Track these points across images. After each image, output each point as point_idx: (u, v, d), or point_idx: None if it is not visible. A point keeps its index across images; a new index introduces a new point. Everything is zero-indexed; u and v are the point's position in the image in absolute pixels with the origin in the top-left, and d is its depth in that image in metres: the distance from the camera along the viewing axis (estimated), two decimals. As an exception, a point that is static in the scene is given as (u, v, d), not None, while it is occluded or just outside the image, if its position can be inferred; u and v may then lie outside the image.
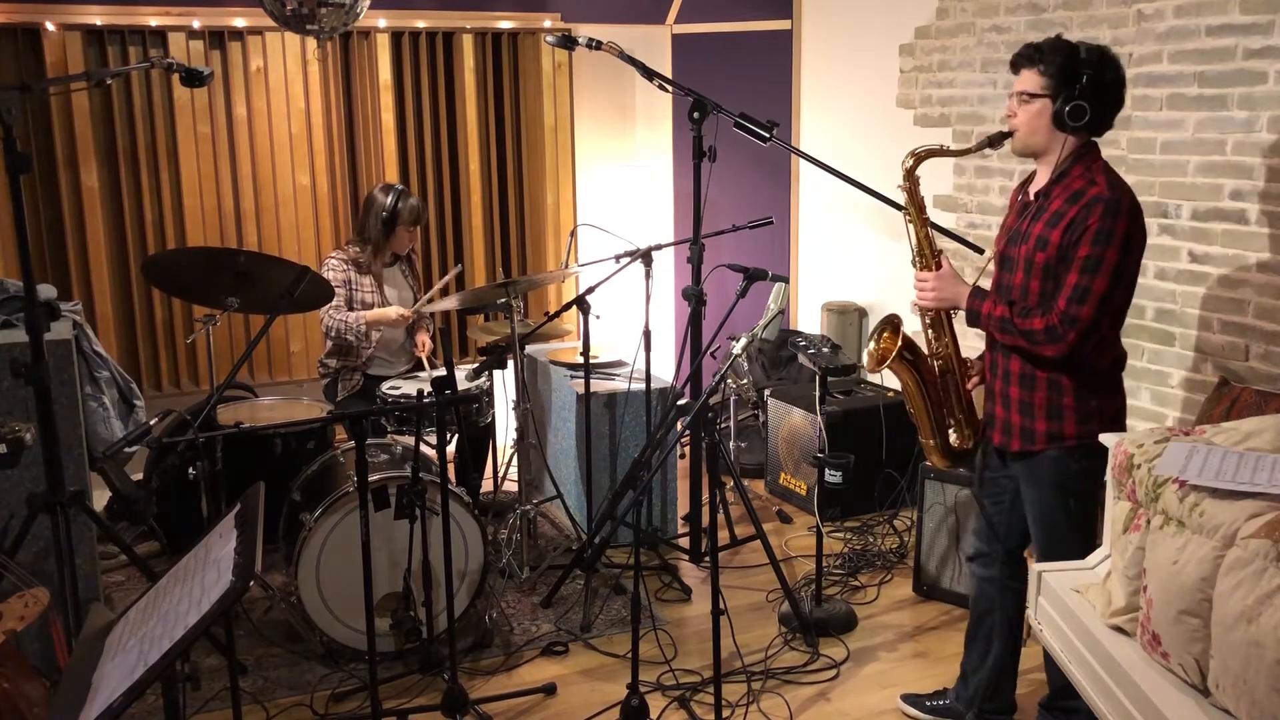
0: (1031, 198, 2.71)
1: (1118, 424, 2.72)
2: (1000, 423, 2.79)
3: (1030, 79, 2.60)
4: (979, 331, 2.80)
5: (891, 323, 2.91)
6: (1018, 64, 2.64)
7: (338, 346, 4.38)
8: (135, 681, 1.65)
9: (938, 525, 3.83)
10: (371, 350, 4.38)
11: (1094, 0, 3.95)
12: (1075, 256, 2.54)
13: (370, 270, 4.33)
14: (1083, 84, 2.53)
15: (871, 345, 2.92)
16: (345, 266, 4.31)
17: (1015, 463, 2.79)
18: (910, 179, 2.82)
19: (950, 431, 2.91)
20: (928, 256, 2.82)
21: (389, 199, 4.28)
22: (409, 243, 4.43)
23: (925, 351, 2.90)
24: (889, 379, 3.83)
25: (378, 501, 2.99)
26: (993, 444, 2.85)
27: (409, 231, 4.36)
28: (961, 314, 2.78)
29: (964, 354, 2.92)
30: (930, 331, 2.89)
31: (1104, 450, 2.71)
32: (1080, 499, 2.71)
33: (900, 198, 2.86)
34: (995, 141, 2.74)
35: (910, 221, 2.84)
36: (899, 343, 2.82)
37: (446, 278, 4.57)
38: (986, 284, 2.82)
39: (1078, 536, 2.72)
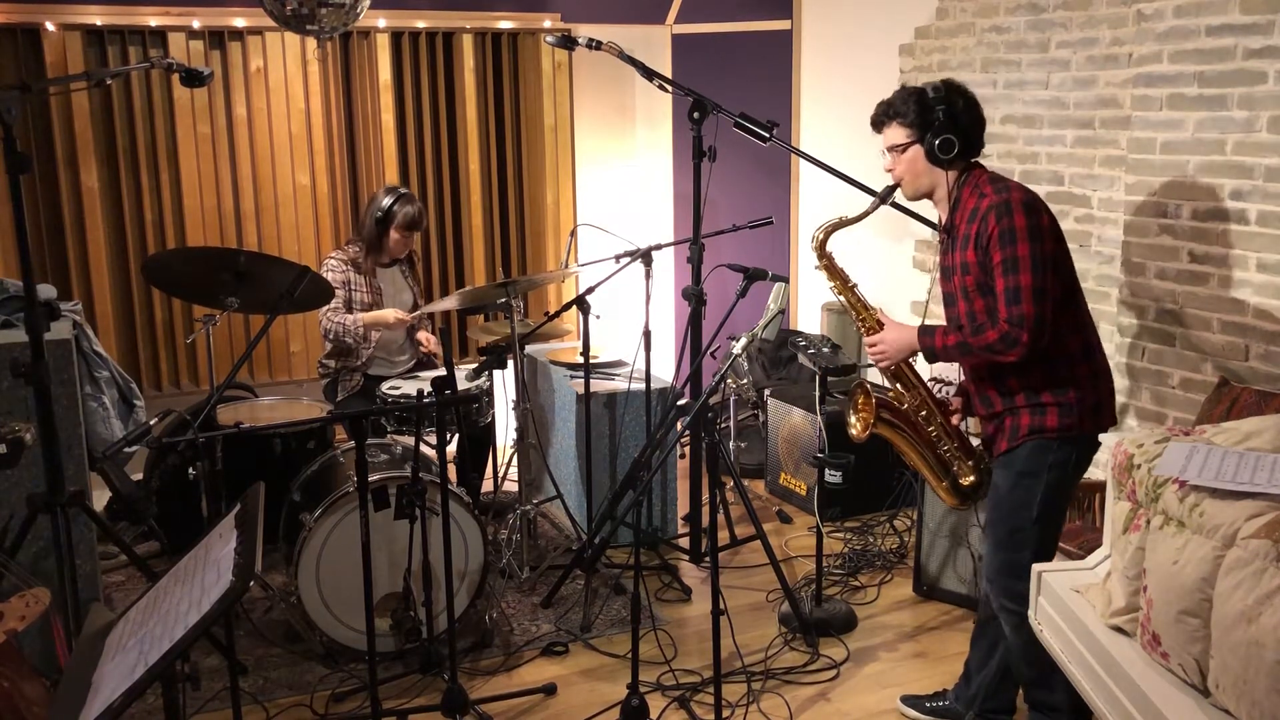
0: (944, 234, 2.80)
1: (1099, 417, 2.74)
2: (990, 439, 2.84)
3: (894, 133, 2.76)
4: (947, 369, 2.84)
5: (861, 388, 2.98)
6: (878, 124, 2.80)
7: (337, 347, 4.38)
8: (135, 681, 1.65)
9: (938, 525, 3.83)
10: (371, 350, 4.38)
11: (1094, 0, 3.95)
12: (993, 264, 2.61)
13: (365, 270, 4.33)
14: (940, 119, 2.67)
15: (853, 417, 3.00)
16: (344, 267, 4.30)
17: (999, 456, 2.82)
18: (824, 255, 2.94)
19: (955, 471, 2.95)
20: (868, 319, 2.92)
21: (387, 200, 4.27)
22: (404, 247, 4.40)
23: (902, 406, 2.94)
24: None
25: (378, 501, 2.99)
26: (992, 460, 2.88)
27: (403, 236, 4.33)
28: (920, 358, 2.84)
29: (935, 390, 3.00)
30: (897, 385, 2.94)
31: (1085, 443, 2.73)
32: (1048, 491, 2.71)
33: (821, 275, 2.96)
34: (885, 196, 2.88)
35: (839, 293, 2.96)
36: (874, 406, 2.89)
37: (448, 301, 4.47)
38: (934, 311, 2.87)
39: (1035, 531, 2.72)
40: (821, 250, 2.93)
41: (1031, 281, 2.57)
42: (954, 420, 2.94)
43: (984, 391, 2.79)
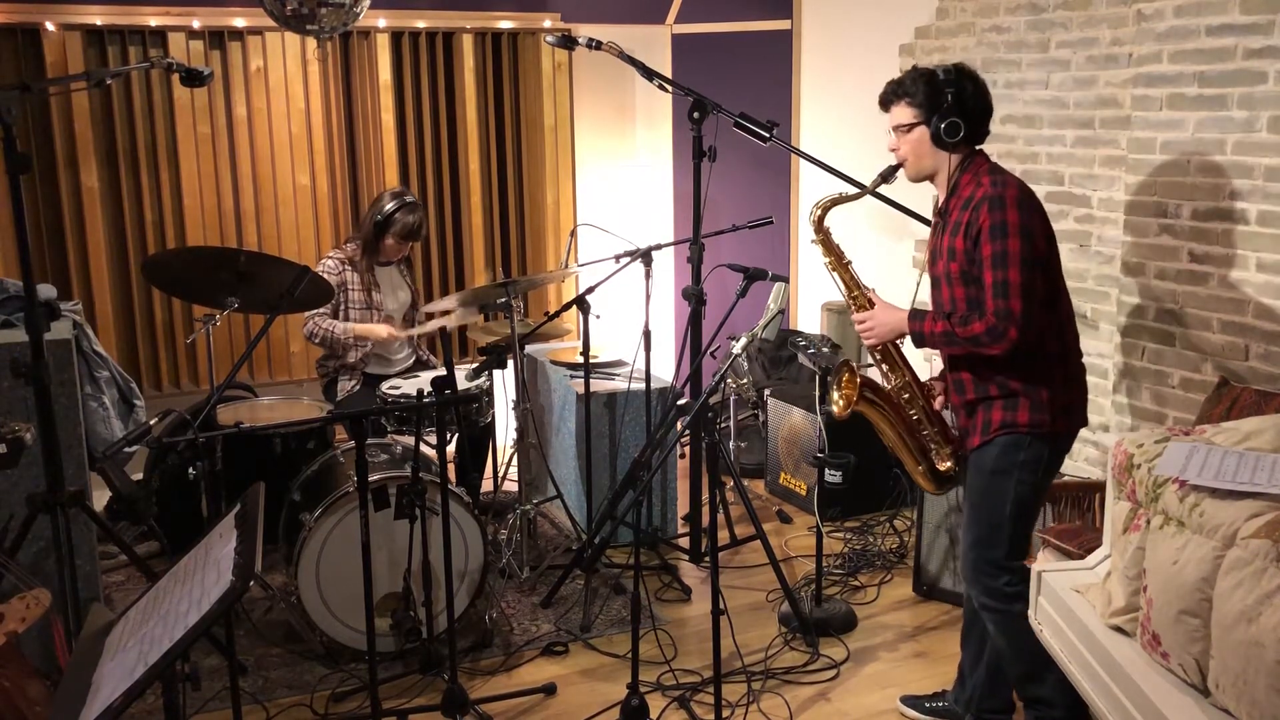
0: (938, 217, 2.80)
1: (1070, 417, 2.75)
2: (963, 430, 2.84)
3: (901, 112, 2.75)
4: (931, 353, 2.84)
5: (847, 366, 2.97)
6: (886, 102, 2.79)
7: (329, 351, 4.38)
8: (135, 681, 1.65)
9: (938, 525, 3.83)
10: (368, 349, 4.37)
11: (1094, 0, 3.95)
12: (982, 257, 2.61)
13: (361, 269, 4.32)
14: (949, 102, 2.67)
15: (835, 394, 2.99)
16: (340, 268, 4.29)
17: (972, 453, 2.82)
18: (821, 230, 2.93)
19: (933, 455, 2.95)
20: (860, 298, 2.92)
21: (390, 205, 4.26)
22: (398, 253, 4.39)
23: (886, 388, 2.95)
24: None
25: (378, 501, 2.99)
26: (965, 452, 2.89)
27: (399, 243, 4.32)
28: (909, 341, 2.84)
29: (921, 376, 2.98)
30: (884, 366, 2.95)
31: (1055, 440, 2.74)
32: (1022, 489, 2.72)
33: (817, 250, 2.94)
34: (888, 175, 2.86)
35: (833, 270, 2.94)
36: (858, 384, 2.88)
37: (447, 301, 4.48)
38: (923, 297, 2.87)
39: (1011, 529, 2.73)
40: (819, 225, 2.92)
41: (1020, 278, 2.57)
42: (936, 405, 2.95)
43: (958, 376, 2.80)
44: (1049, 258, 2.67)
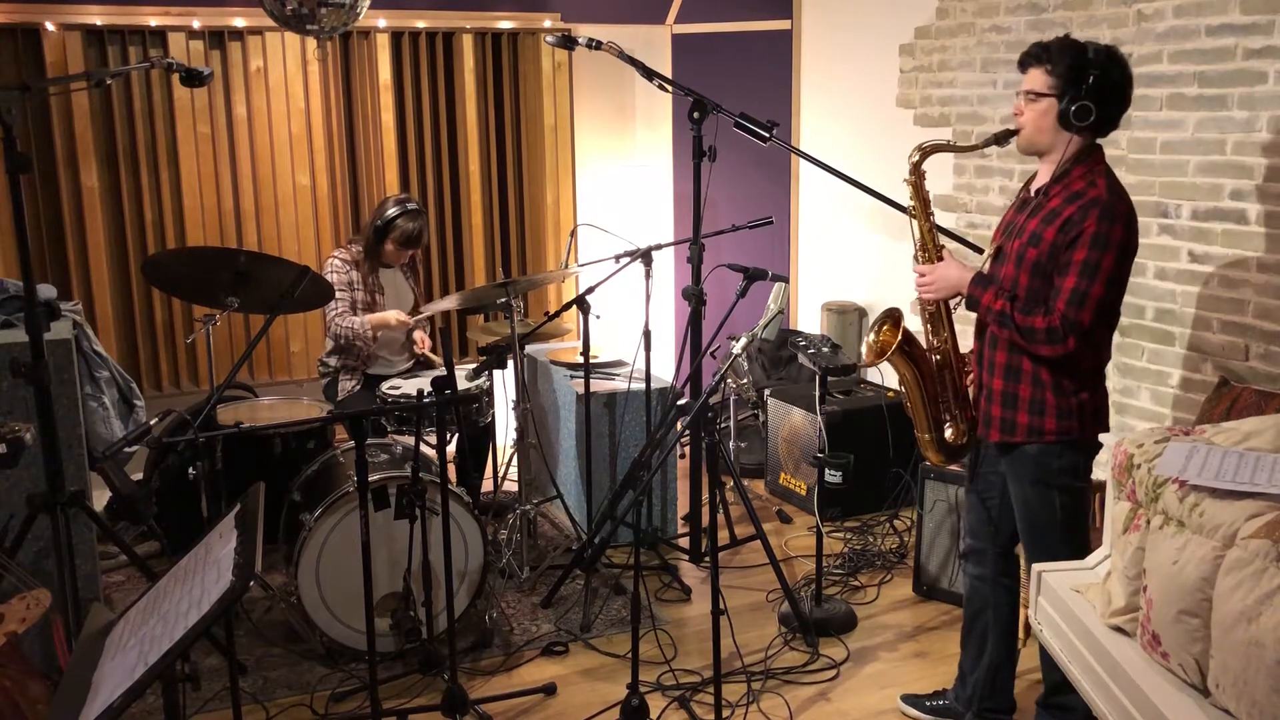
0: (1031, 194, 2.72)
1: (1099, 421, 2.73)
2: (982, 414, 2.81)
3: (1037, 78, 2.61)
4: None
5: (891, 316, 2.92)
6: (1025, 63, 2.65)
7: (339, 346, 4.38)
8: (135, 681, 1.65)
9: (938, 525, 3.83)
10: (373, 349, 4.38)
11: (1094, 0, 3.95)
12: (1072, 260, 2.55)
13: (364, 271, 4.33)
14: (1089, 84, 2.54)
15: (871, 337, 2.94)
16: (347, 267, 4.30)
17: (1002, 457, 2.80)
18: (916, 173, 2.82)
19: (946, 426, 2.92)
20: (931, 251, 2.83)
21: (392, 211, 4.27)
22: (399, 259, 4.40)
23: (924, 346, 2.90)
24: (889, 378, 3.84)
25: (378, 501, 2.98)
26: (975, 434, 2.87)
27: (399, 249, 4.33)
28: (961, 303, 2.79)
29: (962, 349, 2.94)
30: (929, 325, 2.89)
31: (1087, 447, 2.73)
32: (1066, 496, 2.71)
33: (906, 191, 2.86)
34: (1001, 139, 2.76)
35: (914, 216, 2.84)
36: (898, 336, 2.83)
37: (448, 301, 4.51)
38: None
39: (1065, 536, 2.72)
40: (916, 168, 2.81)
41: (1101, 294, 2.53)
42: (966, 380, 2.91)
43: (994, 356, 2.74)
44: (1127, 278, 2.63)
